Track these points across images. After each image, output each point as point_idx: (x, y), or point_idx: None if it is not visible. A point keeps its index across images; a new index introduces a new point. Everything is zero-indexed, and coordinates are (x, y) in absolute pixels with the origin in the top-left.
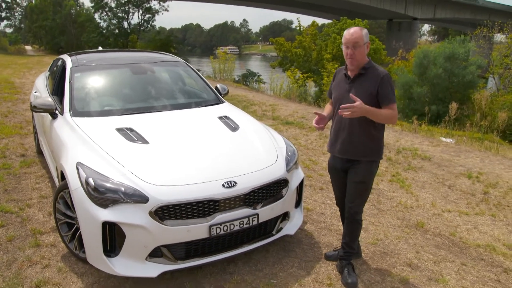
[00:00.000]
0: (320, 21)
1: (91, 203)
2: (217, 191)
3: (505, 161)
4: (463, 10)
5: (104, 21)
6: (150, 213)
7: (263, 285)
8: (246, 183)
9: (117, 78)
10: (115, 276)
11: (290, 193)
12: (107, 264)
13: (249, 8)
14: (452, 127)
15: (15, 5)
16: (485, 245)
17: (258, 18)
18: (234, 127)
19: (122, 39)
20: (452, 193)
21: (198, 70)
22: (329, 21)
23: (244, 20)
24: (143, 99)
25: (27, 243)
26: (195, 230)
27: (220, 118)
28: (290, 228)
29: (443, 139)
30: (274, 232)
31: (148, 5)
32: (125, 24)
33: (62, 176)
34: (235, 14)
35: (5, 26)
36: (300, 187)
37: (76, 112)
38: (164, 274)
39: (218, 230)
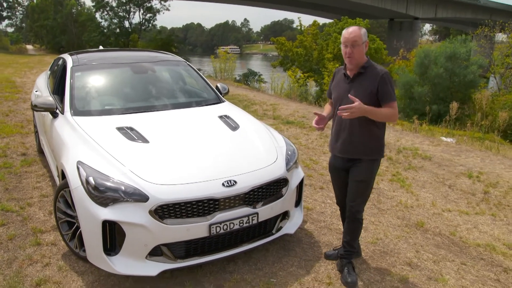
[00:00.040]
0: (321, 20)
1: (91, 202)
2: (217, 190)
3: (506, 161)
4: (464, 9)
5: (105, 20)
6: (150, 212)
7: (263, 284)
8: (246, 182)
9: (118, 78)
10: (115, 274)
11: (290, 192)
12: (107, 263)
13: (250, 8)
14: (453, 126)
15: (16, 5)
16: (485, 244)
17: (259, 18)
18: (234, 126)
19: (123, 39)
20: (453, 193)
21: (199, 70)
22: (330, 20)
23: (245, 19)
24: (144, 98)
25: (27, 241)
26: (195, 229)
27: (220, 117)
28: (290, 227)
29: (444, 138)
30: (274, 231)
31: (149, 5)
32: (126, 24)
33: (63, 175)
34: (236, 14)
35: (7, 25)
36: (300, 186)
37: (77, 111)
38: (164, 273)
39: (218, 229)
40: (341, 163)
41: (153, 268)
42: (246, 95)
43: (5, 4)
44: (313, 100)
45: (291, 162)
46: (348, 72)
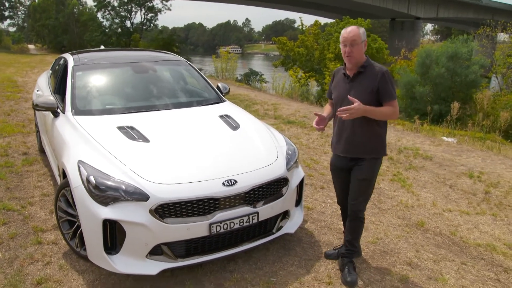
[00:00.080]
0: (323, 20)
1: (92, 201)
2: (217, 190)
3: (507, 161)
4: (466, 9)
5: (107, 20)
6: (151, 211)
7: (263, 283)
8: (246, 182)
9: (119, 77)
10: (115, 273)
11: (290, 191)
12: (108, 262)
13: (251, 8)
14: (454, 126)
15: (18, 4)
16: (485, 244)
17: (261, 18)
18: (234, 126)
19: (124, 38)
20: (453, 193)
21: (201, 69)
22: (332, 20)
23: (246, 19)
24: (145, 97)
25: (28, 240)
26: (195, 228)
27: (221, 117)
28: (290, 226)
29: (445, 138)
30: (274, 231)
31: (151, 4)
32: (128, 23)
33: (64, 174)
34: (237, 14)
35: (8, 25)
36: (300, 186)
37: (78, 111)
38: (164, 272)
39: (218, 228)
40: (344, 163)
41: (153, 267)
42: (248, 94)
43: (7, 4)
44: (314, 100)
45: (291, 162)
46: (347, 72)
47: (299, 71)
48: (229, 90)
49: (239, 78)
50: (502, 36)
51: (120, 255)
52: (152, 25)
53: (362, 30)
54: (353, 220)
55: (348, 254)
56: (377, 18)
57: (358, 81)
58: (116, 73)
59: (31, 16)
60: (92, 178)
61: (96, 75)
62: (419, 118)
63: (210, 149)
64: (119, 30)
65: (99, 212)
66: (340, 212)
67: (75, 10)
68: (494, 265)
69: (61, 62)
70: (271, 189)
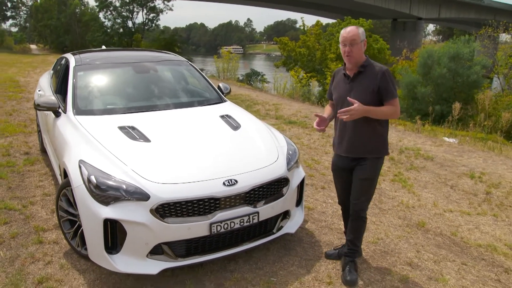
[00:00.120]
0: (325, 20)
1: (93, 201)
2: (217, 189)
3: (508, 161)
4: (468, 9)
5: (109, 20)
6: (151, 211)
7: (263, 283)
8: (247, 182)
9: (120, 77)
10: (116, 273)
11: (290, 191)
12: (109, 261)
13: (253, 8)
14: (455, 127)
15: (20, 4)
16: (486, 245)
17: (262, 18)
18: (235, 126)
19: (126, 38)
20: (454, 193)
21: (202, 70)
22: (334, 20)
23: (248, 19)
24: (146, 97)
25: (30, 240)
26: (196, 227)
27: (222, 117)
28: (290, 226)
29: (446, 139)
30: (274, 231)
31: (153, 4)
32: (130, 23)
33: (65, 174)
34: (239, 14)
35: (11, 25)
36: (301, 186)
37: (79, 111)
38: (164, 271)
39: (219, 228)
40: (346, 163)
41: (154, 267)
42: (249, 95)
43: (9, 4)
44: (315, 100)
45: (292, 162)
46: (348, 72)
47: (300, 72)
48: (230, 90)
49: (241, 78)
50: (504, 37)
51: (121, 255)
52: (154, 25)
53: (361, 29)
54: (355, 220)
55: (350, 253)
56: (379, 19)
57: (359, 81)
58: (117, 73)
59: (33, 16)
60: (93, 178)
61: (97, 75)
62: (420, 118)
63: (211, 149)
64: (121, 30)
65: (100, 212)
66: (340, 212)
67: (77, 10)
68: (495, 266)
69: (63, 62)
70: (271, 189)
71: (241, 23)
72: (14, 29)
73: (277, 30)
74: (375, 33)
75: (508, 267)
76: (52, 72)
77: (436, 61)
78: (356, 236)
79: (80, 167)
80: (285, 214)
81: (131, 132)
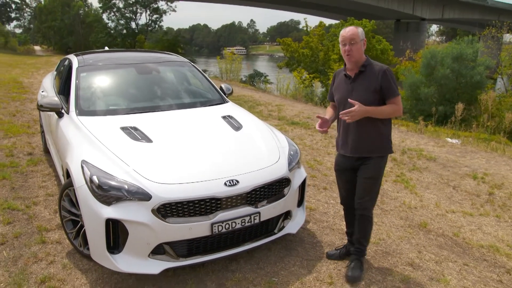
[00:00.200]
0: (327, 21)
1: (95, 201)
2: (219, 190)
3: (511, 162)
4: (471, 10)
5: (112, 21)
6: (153, 211)
7: (265, 283)
8: (248, 182)
9: (123, 78)
10: (118, 272)
11: (292, 192)
12: (111, 261)
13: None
14: (458, 127)
15: (24, 6)
16: (488, 245)
17: (266, 19)
18: (237, 127)
19: (129, 40)
20: (457, 194)
21: (205, 71)
22: (336, 21)
23: (251, 20)
24: (148, 98)
25: (33, 239)
26: (197, 228)
27: (224, 117)
28: (292, 227)
29: (449, 139)
30: (276, 231)
31: (156, 6)
32: (133, 25)
33: (68, 174)
34: (242, 15)
35: (15, 26)
36: (302, 186)
37: (82, 111)
38: (166, 271)
39: (220, 228)
40: (350, 163)
41: (155, 267)
42: (252, 95)
43: (13, 6)
44: (318, 101)
45: (293, 162)
46: (348, 73)
47: (303, 72)
48: (232, 91)
49: (244, 79)
50: (508, 37)
51: (123, 254)
52: (157, 26)
53: (360, 29)
54: (361, 218)
55: (357, 252)
56: (382, 19)
57: (360, 81)
58: (120, 74)
59: (37, 18)
60: (95, 178)
61: (100, 76)
62: (424, 119)
63: (212, 149)
64: (124, 31)
65: (102, 212)
66: (343, 212)
67: (81, 11)
68: (497, 266)
69: (66, 63)
70: (273, 190)
71: (244, 24)
72: (18, 31)
73: (280, 31)
74: (378, 33)
75: (510, 268)
76: (55, 73)
77: (440, 62)
78: (362, 235)
79: (82, 167)
80: (287, 215)
81: (133, 133)
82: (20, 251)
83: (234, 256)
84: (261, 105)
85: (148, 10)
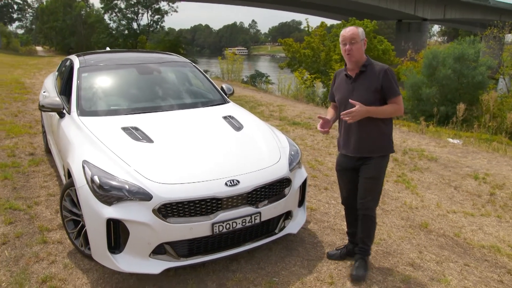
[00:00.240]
0: (329, 22)
1: (96, 201)
2: (220, 190)
3: None
4: (473, 10)
5: (114, 22)
6: (154, 211)
7: (265, 283)
8: (249, 182)
9: (124, 78)
10: (119, 272)
11: (292, 192)
12: (111, 261)
13: (258, 9)
14: (460, 128)
15: (26, 7)
16: (489, 246)
17: (267, 19)
18: (238, 127)
19: (131, 40)
20: (458, 194)
21: (206, 71)
22: (338, 22)
23: (253, 21)
24: (149, 98)
25: (34, 239)
26: (198, 228)
27: (225, 117)
28: (293, 227)
29: (450, 140)
30: (276, 231)
31: (157, 6)
32: (135, 25)
33: (69, 174)
34: (244, 15)
35: (17, 27)
36: (303, 187)
37: (83, 112)
38: (167, 271)
39: (221, 228)
40: (351, 163)
41: (156, 266)
42: (253, 96)
43: (15, 6)
44: (320, 102)
45: (294, 162)
46: (349, 73)
47: (305, 73)
48: (233, 91)
49: (245, 79)
50: (509, 37)
51: (124, 254)
52: (158, 27)
53: (360, 29)
54: (364, 219)
55: (361, 252)
56: (383, 20)
57: (360, 81)
58: (121, 74)
59: (39, 18)
60: (96, 178)
61: (101, 77)
62: (425, 119)
63: (213, 149)
64: (126, 32)
65: (103, 212)
66: (343, 213)
67: (82, 12)
68: (498, 267)
69: (67, 63)
70: (273, 190)
71: (246, 25)
72: (20, 31)
73: (281, 32)
74: (380, 34)
75: (511, 268)
76: (56, 73)
77: (441, 62)
78: (366, 235)
79: (83, 167)
80: (287, 215)
81: (134, 133)
82: (21, 251)
83: (234, 256)
84: (262, 105)
85: (149, 11)
